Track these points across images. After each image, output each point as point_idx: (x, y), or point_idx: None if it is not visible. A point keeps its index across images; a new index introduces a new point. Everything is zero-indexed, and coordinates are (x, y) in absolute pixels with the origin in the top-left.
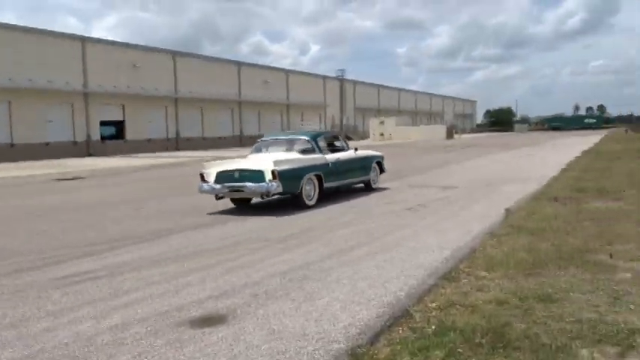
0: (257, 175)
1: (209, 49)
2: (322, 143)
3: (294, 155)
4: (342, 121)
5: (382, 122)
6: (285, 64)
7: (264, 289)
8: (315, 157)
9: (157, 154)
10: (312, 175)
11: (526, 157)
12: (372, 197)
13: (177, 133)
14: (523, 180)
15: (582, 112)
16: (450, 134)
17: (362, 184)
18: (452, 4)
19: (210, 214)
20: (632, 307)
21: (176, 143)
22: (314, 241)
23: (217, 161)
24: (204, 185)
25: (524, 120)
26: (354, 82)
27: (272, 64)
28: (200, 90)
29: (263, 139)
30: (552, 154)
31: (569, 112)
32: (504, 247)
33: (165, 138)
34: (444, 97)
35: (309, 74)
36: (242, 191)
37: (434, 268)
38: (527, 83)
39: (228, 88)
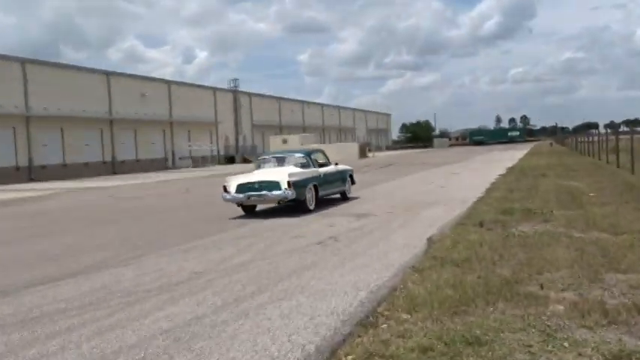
0: (275, 185)
1: (71, 56)
2: (314, 159)
3: (299, 169)
4: (237, 141)
5: (285, 141)
6: (167, 73)
7: (142, 355)
8: (313, 171)
9: None
10: (311, 185)
11: (448, 176)
12: (277, 230)
13: (30, 160)
14: (445, 203)
15: (505, 123)
16: (363, 152)
17: (339, 195)
18: (358, 5)
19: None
20: (566, 344)
21: (29, 172)
22: (206, 288)
23: (234, 176)
24: (227, 195)
25: (444, 134)
26: (251, 95)
27: (150, 74)
28: (58, 105)
29: (264, 156)
30: (475, 172)
31: (491, 124)
32: (427, 284)
33: (14, 166)
34: (354, 110)
35: (196, 86)
36: (263, 198)
37: (348, 313)
38: (446, 93)
39: (95, 104)
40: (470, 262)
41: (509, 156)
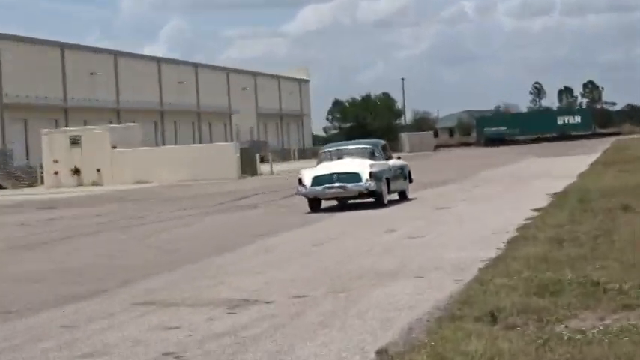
0: (355, 177)
1: None
2: (382, 151)
3: (377, 161)
4: None
5: (75, 140)
6: None
7: None
8: (385, 163)
9: None
10: (385, 177)
11: (429, 213)
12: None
13: None
14: (421, 271)
15: (551, 100)
16: (249, 165)
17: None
18: None
19: None
20: None
21: None
22: None
23: (307, 169)
24: (303, 189)
25: (424, 122)
26: None
27: None
28: None
29: (328, 149)
30: (487, 202)
31: (521, 101)
32: None
33: None
34: (229, 73)
35: None
36: (344, 191)
37: None
38: (426, 37)
39: None
40: None
41: (561, 167)
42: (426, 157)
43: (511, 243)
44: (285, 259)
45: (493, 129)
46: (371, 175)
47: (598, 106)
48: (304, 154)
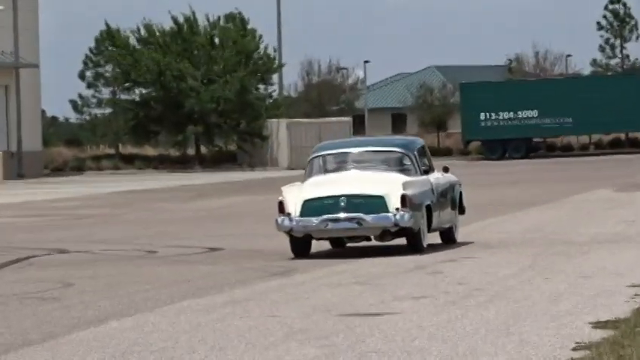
0: (376, 204)
1: None
2: (420, 157)
3: (411, 177)
4: None
5: None
6: None
7: None
8: (425, 180)
9: None
10: (426, 205)
11: None
12: None
13: None
14: None
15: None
16: None
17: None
18: None
19: None
20: None
21: None
22: None
23: (293, 185)
24: (287, 221)
25: (330, 91)
26: None
27: None
28: None
29: (329, 150)
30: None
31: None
32: None
33: None
34: None
35: None
36: (358, 227)
37: None
38: None
39: None
40: None
41: None
42: None
43: None
44: None
45: (500, 117)
46: (404, 200)
47: None
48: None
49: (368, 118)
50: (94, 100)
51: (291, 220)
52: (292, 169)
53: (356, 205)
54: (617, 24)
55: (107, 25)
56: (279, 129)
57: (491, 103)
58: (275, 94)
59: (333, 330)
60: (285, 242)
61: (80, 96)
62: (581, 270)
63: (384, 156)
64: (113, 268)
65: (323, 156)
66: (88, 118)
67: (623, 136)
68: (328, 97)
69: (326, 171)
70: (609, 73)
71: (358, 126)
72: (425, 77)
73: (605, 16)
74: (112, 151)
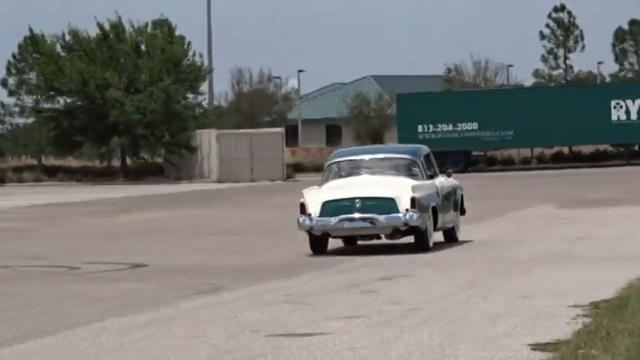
0: (388, 205)
1: None
2: (426, 164)
3: (419, 181)
4: None
5: None
6: None
7: None
8: (431, 184)
9: None
10: (432, 206)
11: None
12: None
13: None
14: None
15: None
16: None
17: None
18: None
19: None
20: None
21: None
22: None
23: (313, 188)
24: (307, 220)
25: (264, 101)
26: None
27: None
28: None
29: (343, 157)
30: None
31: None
32: None
33: None
34: None
35: None
36: (371, 226)
37: None
38: None
39: None
40: None
41: None
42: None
43: None
44: None
45: (439, 129)
46: (413, 202)
47: None
48: None
49: (302, 130)
50: (17, 109)
51: (311, 219)
52: (222, 181)
53: (370, 207)
54: (561, 33)
55: (31, 30)
56: (210, 140)
57: (430, 114)
58: (205, 104)
59: (261, 351)
60: (213, 257)
61: (2, 104)
62: (522, 289)
63: (395, 162)
64: (32, 285)
65: (339, 162)
66: (9, 127)
67: (566, 149)
68: (260, 108)
69: (342, 176)
70: (552, 85)
71: (291, 137)
72: (361, 87)
73: (548, 25)
74: (34, 162)
